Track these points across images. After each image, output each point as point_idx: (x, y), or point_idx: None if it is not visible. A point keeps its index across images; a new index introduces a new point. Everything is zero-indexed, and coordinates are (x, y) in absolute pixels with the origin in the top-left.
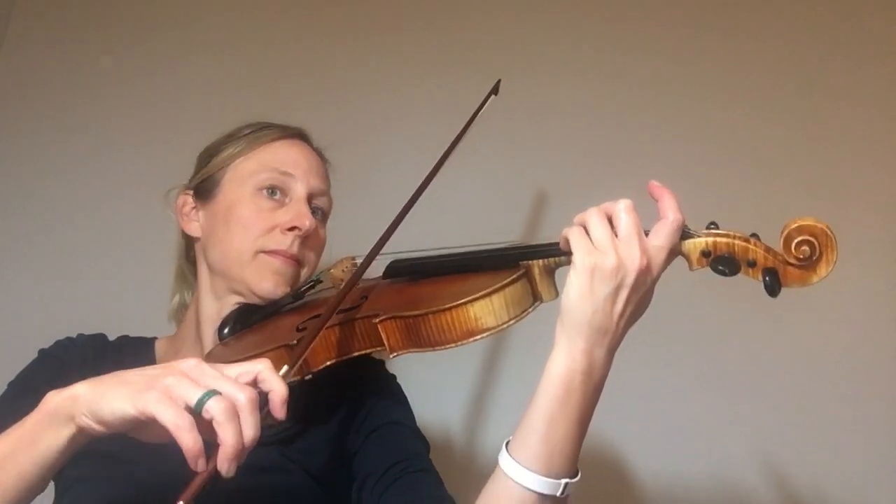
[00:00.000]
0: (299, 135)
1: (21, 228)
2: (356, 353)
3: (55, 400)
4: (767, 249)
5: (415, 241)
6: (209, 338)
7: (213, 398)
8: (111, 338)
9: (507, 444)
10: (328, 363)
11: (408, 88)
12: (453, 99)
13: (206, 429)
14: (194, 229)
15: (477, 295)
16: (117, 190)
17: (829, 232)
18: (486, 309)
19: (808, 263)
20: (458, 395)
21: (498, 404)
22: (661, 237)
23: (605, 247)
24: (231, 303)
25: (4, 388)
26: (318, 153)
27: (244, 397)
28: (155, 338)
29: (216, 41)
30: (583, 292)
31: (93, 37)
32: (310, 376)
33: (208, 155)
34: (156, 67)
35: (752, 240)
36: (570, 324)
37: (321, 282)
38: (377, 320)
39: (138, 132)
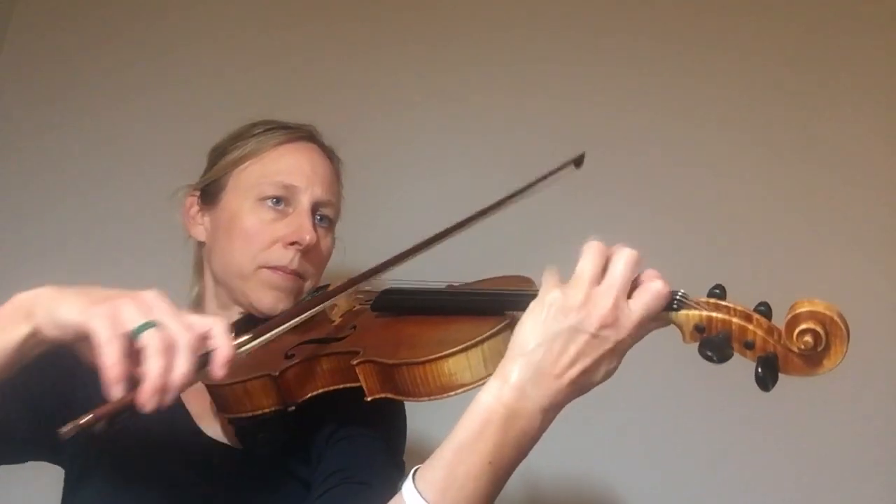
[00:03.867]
0: (308, 136)
1: (22, 229)
2: (335, 388)
3: (21, 296)
4: (770, 331)
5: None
6: None
7: (152, 328)
8: None
9: (418, 468)
10: (311, 395)
11: (432, 88)
12: (478, 100)
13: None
14: (199, 233)
15: (452, 350)
16: (123, 188)
17: (838, 321)
18: (462, 364)
19: (812, 355)
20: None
21: None
22: (637, 302)
23: (580, 281)
24: (235, 312)
25: None
26: (328, 154)
27: (184, 338)
28: None
29: (227, 35)
30: (535, 322)
31: (93, 35)
32: (293, 408)
33: (215, 156)
34: (158, 65)
35: (756, 316)
36: (511, 352)
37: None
38: (354, 362)
39: (140, 130)
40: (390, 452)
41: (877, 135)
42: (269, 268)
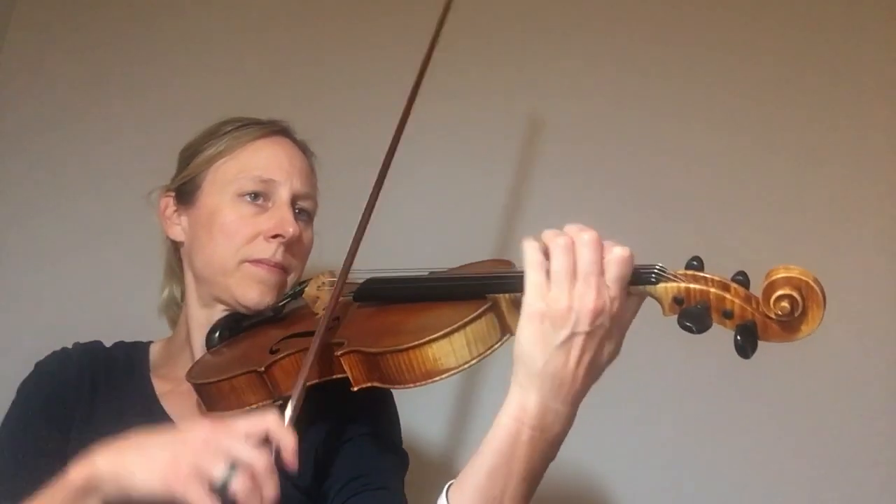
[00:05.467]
0: (282, 131)
1: (21, 228)
2: (322, 380)
3: (80, 475)
4: (747, 299)
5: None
6: (199, 344)
7: (235, 477)
8: (108, 344)
9: (449, 487)
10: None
11: (403, 76)
12: (451, 85)
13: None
14: (177, 234)
15: (434, 335)
16: (114, 189)
17: (814, 286)
18: (445, 349)
19: (790, 320)
20: (445, 406)
21: (484, 416)
22: (611, 276)
23: (559, 285)
24: (219, 310)
25: (6, 411)
26: (303, 148)
27: (261, 465)
28: (150, 342)
29: (216, 36)
30: (533, 340)
31: (92, 36)
32: (280, 402)
33: (188, 155)
34: (155, 64)
35: (733, 286)
36: (523, 374)
37: (302, 292)
38: (339, 353)
39: (138, 129)
40: (393, 447)
41: (853, 106)
42: (252, 262)
